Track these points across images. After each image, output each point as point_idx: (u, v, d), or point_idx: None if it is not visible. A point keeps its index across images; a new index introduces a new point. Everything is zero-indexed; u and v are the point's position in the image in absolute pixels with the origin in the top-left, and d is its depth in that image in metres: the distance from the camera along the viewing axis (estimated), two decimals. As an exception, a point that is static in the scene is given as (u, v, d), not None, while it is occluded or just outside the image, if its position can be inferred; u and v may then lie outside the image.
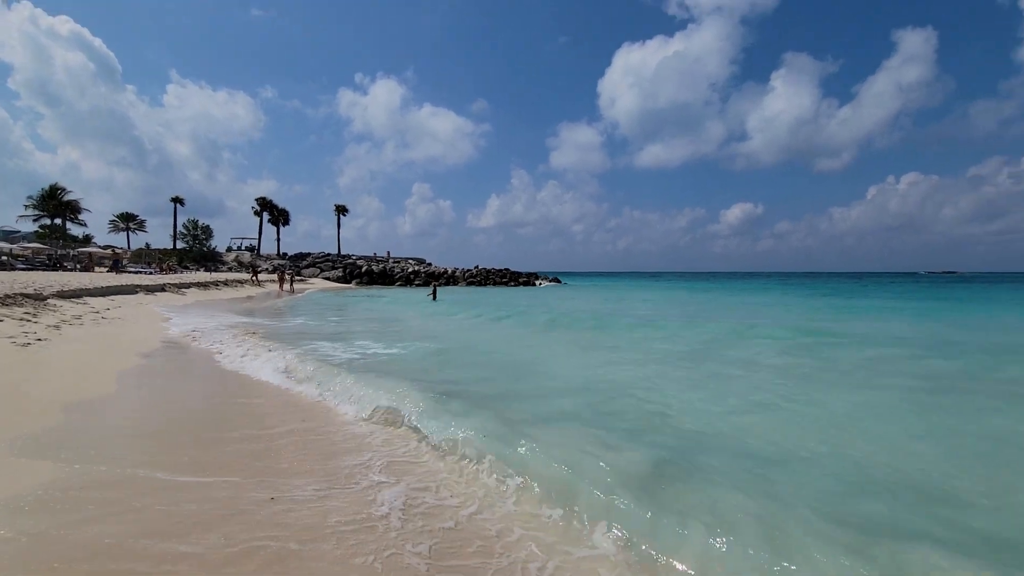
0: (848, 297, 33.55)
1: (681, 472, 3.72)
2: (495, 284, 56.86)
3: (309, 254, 67.08)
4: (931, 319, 18.26)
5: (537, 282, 61.78)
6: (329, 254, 68.13)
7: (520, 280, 59.60)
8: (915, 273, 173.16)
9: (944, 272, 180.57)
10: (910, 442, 4.84)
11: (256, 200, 70.28)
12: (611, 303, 27.29)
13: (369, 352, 9.68)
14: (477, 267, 62.56)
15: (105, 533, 2.82)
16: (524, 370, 8.46)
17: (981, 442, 4.88)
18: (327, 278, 55.34)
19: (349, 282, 54.14)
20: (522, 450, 4.04)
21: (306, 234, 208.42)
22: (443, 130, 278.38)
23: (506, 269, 62.84)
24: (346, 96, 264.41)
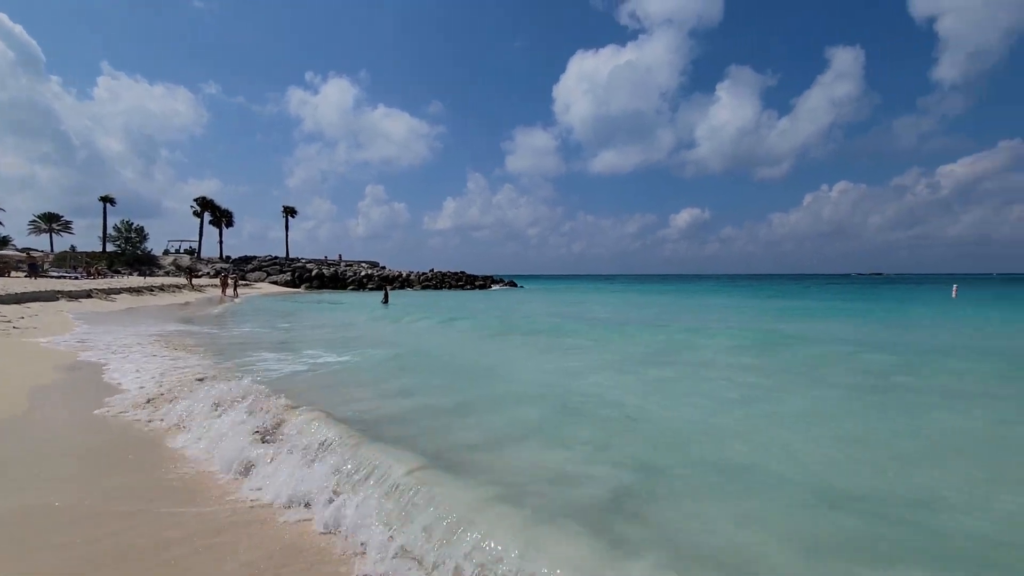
0: (792, 298, 35.20)
1: (645, 499, 3.52)
2: (451, 287, 56.23)
3: (255, 257, 64.10)
4: (869, 319, 19.32)
5: (493, 285, 61.60)
6: (277, 257, 65.37)
7: (476, 283, 59.24)
8: (847, 275, 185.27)
9: (872, 274, 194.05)
10: (870, 441, 4.88)
11: (196, 200, 66.38)
12: (567, 306, 27.40)
13: (319, 362, 9.12)
14: (432, 270, 61.70)
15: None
16: (481, 377, 8.17)
17: (934, 440, 4.99)
18: (275, 282, 53.04)
19: (298, 286, 52.10)
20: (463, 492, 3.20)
21: (252, 236, 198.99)
22: (397, 131, 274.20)
23: (461, 272, 62.33)
24: (296, 95, 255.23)
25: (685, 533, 3.00)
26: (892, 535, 3.05)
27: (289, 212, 73.33)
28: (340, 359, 9.48)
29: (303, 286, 52.10)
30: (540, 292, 50.82)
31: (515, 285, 66.88)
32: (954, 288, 38.70)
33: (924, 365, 8.77)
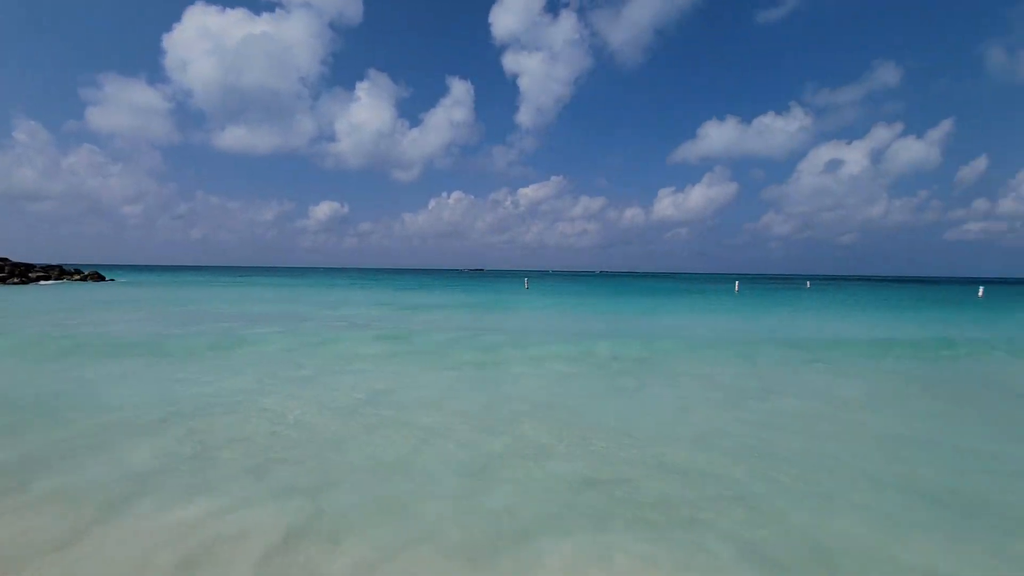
0: (420, 291, 39.53)
1: (316, 542, 3.13)
2: (-21, 282, 38.33)
3: None
4: (479, 309, 23.70)
5: (63, 277, 45.43)
6: None
7: (30, 275, 42.38)
8: (459, 270, 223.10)
9: (475, 269, 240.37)
10: (490, 412, 5.97)
11: None
12: (179, 305, 22.73)
13: None
14: (-63, 256, 40.55)
15: None
16: (44, 414, 5.90)
17: (538, 400, 6.52)
18: None
19: None
20: None
21: None
22: None
23: (3, 260, 43.44)
24: None
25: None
26: (534, 502, 3.84)
27: None
28: None
29: None
30: (140, 287, 40.48)
31: (102, 278, 51.37)
32: (526, 281, 51.93)
33: (518, 342, 11.41)
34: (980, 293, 40.44)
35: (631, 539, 3.17)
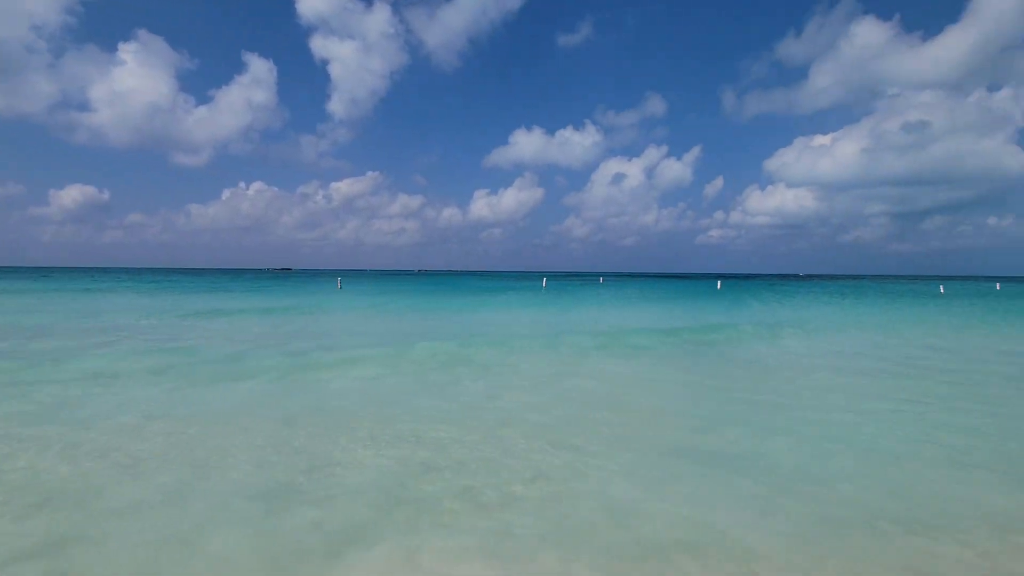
0: (211, 294, 34.37)
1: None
2: None
3: None
4: (288, 313, 21.57)
5: None
6: None
7: None
8: (263, 269, 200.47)
9: (282, 268, 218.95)
10: (297, 422, 5.50)
11: None
12: None
13: None
14: None
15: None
16: None
17: (336, 405, 6.18)
18: None
19: None
20: None
21: None
22: None
23: None
24: None
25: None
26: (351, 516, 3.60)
27: None
28: None
29: None
30: None
31: None
32: (339, 281, 49.22)
33: (328, 346, 10.76)
34: (719, 286, 51.35)
35: (440, 535, 3.21)
